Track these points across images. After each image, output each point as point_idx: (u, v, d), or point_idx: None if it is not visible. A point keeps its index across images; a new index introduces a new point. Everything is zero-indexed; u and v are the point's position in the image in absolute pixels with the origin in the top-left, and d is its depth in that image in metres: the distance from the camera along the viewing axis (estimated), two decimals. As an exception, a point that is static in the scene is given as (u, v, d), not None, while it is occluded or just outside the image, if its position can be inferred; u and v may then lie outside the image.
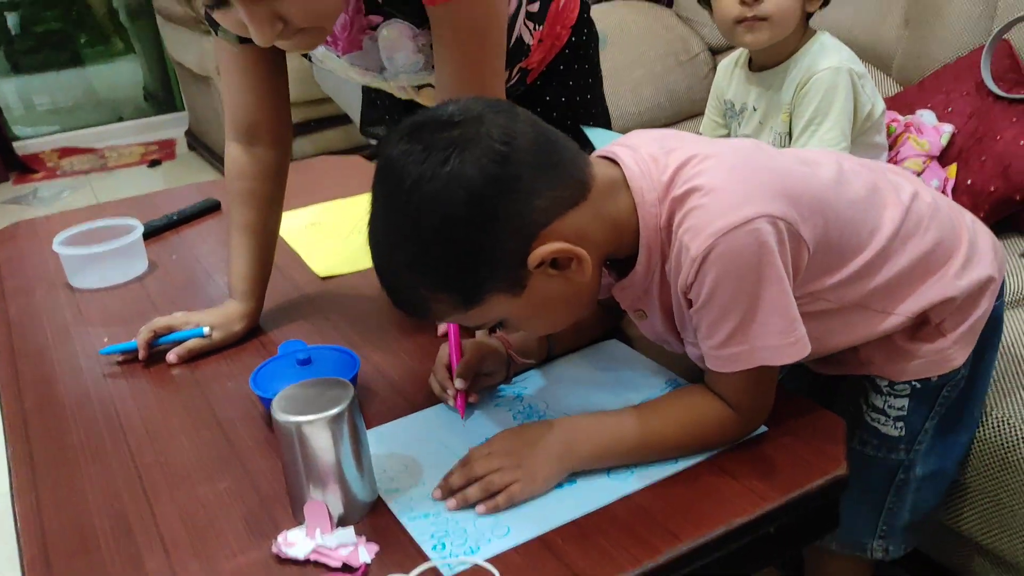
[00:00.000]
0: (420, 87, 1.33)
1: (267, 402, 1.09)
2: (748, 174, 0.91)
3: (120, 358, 1.28)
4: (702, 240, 0.87)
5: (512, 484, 0.91)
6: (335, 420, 0.88)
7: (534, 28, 1.29)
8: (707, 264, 0.87)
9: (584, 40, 1.38)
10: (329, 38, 1.24)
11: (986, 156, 1.63)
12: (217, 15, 1.04)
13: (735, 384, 0.94)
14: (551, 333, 1.10)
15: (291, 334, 1.30)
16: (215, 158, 4.15)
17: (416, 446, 1.03)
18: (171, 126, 4.93)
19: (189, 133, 4.58)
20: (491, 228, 0.85)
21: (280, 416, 0.89)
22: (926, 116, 1.74)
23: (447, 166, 0.83)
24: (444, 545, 0.87)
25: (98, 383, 1.23)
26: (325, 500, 0.90)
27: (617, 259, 0.97)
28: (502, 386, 1.13)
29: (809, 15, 1.60)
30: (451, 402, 1.07)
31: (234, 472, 1.02)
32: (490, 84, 1.18)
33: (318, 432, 0.88)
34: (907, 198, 1.02)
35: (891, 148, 1.70)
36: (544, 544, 0.87)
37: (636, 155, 0.94)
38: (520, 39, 1.28)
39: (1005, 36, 1.78)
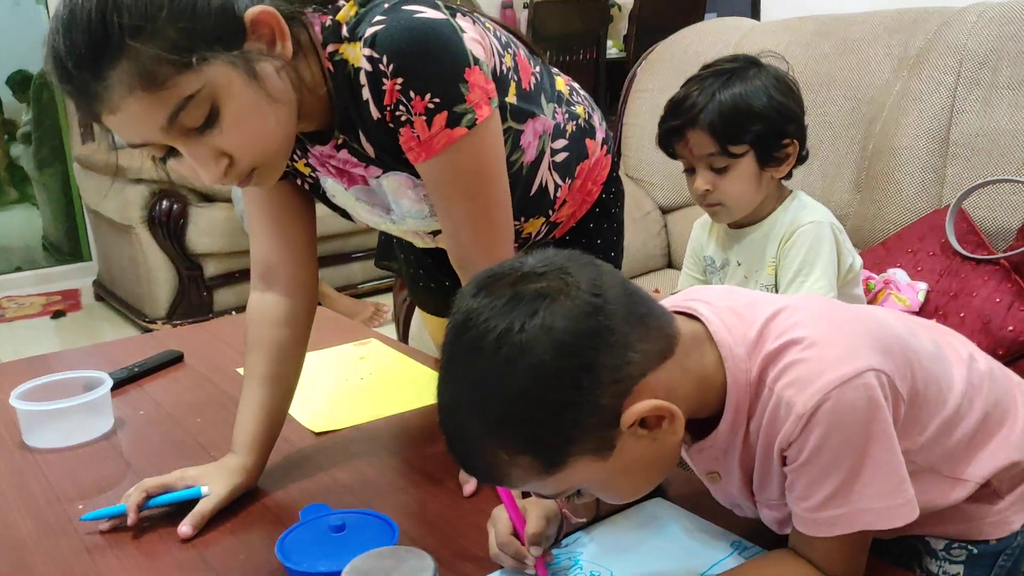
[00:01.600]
0: (434, 233, 1.29)
1: (296, 574, 0.97)
2: (846, 325, 0.89)
3: (105, 526, 1.13)
4: (810, 395, 0.83)
5: None
6: None
7: (562, 180, 1.28)
8: (814, 420, 0.83)
9: (612, 198, 1.37)
10: (335, 170, 1.18)
11: (964, 312, 1.68)
12: (173, 164, 1.02)
13: (830, 549, 0.88)
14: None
15: (300, 497, 1.19)
16: (128, 309, 3.96)
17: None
18: (75, 276, 4.72)
19: (97, 284, 4.39)
20: (585, 382, 0.79)
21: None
22: (899, 274, 1.80)
23: (536, 318, 0.78)
24: None
25: (83, 562, 1.08)
26: None
27: (696, 419, 0.93)
28: (554, 551, 1.04)
29: (783, 178, 1.65)
30: (531, 570, 0.98)
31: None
32: (498, 220, 1.14)
33: None
34: (966, 355, 1.02)
35: (872, 304, 1.75)
36: None
37: (714, 309, 0.91)
38: (544, 188, 1.27)
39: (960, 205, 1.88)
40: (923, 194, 2.00)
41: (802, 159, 1.58)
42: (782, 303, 0.91)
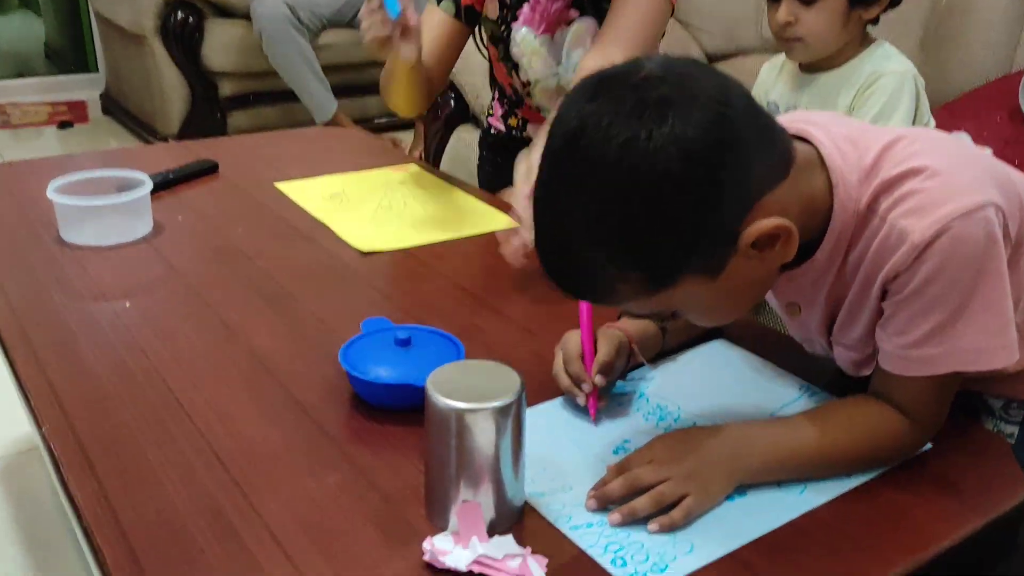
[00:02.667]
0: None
1: (362, 384, 0.95)
2: (967, 159, 0.84)
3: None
4: (928, 224, 0.79)
5: (686, 497, 0.81)
6: (503, 411, 0.76)
7: None
8: (930, 251, 0.79)
9: None
10: (532, 15, 1.54)
11: (1028, 182, 1.63)
12: None
13: (918, 391, 0.86)
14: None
15: (357, 312, 1.16)
16: (137, 124, 3.85)
17: (547, 445, 0.91)
18: (81, 87, 4.57)
19: (105, 96, 4.25)
20: (709, 196, 0.74)
21: (439, 399, 0.76)
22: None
23: (665, 126, 0.73)
24: (625, 562, 0.76)
25: (137, 356, 1.05)
26: (479, 501, 0.78)
27: None
28: (619, 383, 1.02)
29: (869, 21, 1.56)
30: (582, 400, 0.95)
31: (339, 465, 0.87)
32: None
33: (483, 423, 0.76)
34: None
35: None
36: (738, 562, 0.76)
37: (828, 133, 0.86)
38: None
39: (1037, 67, 1.79)
40: (994, 58, 1.91)
41: (894, 3, 1.49)
42: (899, 132, 0.86)
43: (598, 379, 0.94)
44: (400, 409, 0.95)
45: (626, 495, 0.81)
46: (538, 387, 1.01)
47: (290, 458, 0.88)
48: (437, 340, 1.01)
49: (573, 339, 0.98)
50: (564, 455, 0.90)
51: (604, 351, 0.96)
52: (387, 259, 1.34)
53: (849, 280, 0.87)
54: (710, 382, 1.03)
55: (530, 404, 0.96)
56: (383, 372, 0.95)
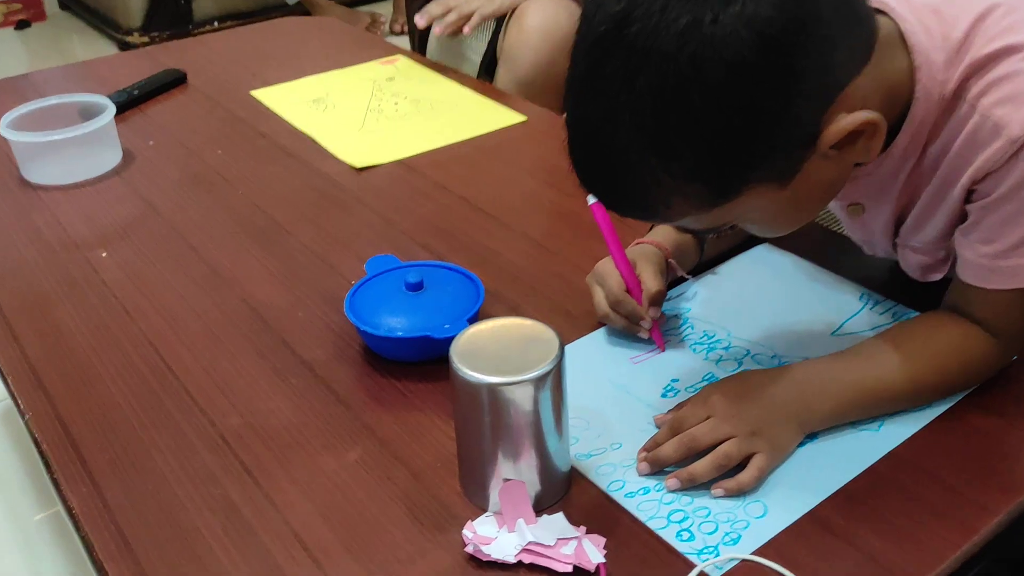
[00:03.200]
0: None
1: (374, 338, 0.85)
2: None
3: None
4: None
5: (755, 456, 0.72)
6: (541, 381, 0.66)
7: None
8: None
9: None
10: None
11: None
12: None
13: (1005, 306, 0.76)
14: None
15: (357, 246, 1.04)
16: (98, 19, 3.61)
17: (587, 392, 0.81)
18: (34, -20, 4.27)
19: (61, -11, 3.97)
20: (789, 88, 0.62)
21: (466, 373, 0.65)
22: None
23: (734, 5, 0.59)
24: (692, 534, 0.68)
25: (120, 320, 0.95)
26: (521, 478, 0.69)
27: None
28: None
29: None
30: (645, 334, 0.86)
31: (359, 437, 0.78)
32: None
33: (520, 396, 0.66)
34: None
35: None
36: (816, 522, 0.68)
37: (910, 3, 0.72)
38: None
39: None
40: None
41: None
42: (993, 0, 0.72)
43: (653, 311, 0.84)
44: (419, 362, 0.85)
45: (683, 458, 0.72)
46: (567, 318, 0.91)
47: (303, 432, 0.79)
48: (452, 279, 0.90)
49: (610, 273, 0.87)
50: (607, 403, 0.80)
51: (652, 280, 0.85)
52: (384, 175, 1.22)
53: (926, 176, 0.75)
54: (758, 297, 0.93)
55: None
56: (396, 323, 0.85)
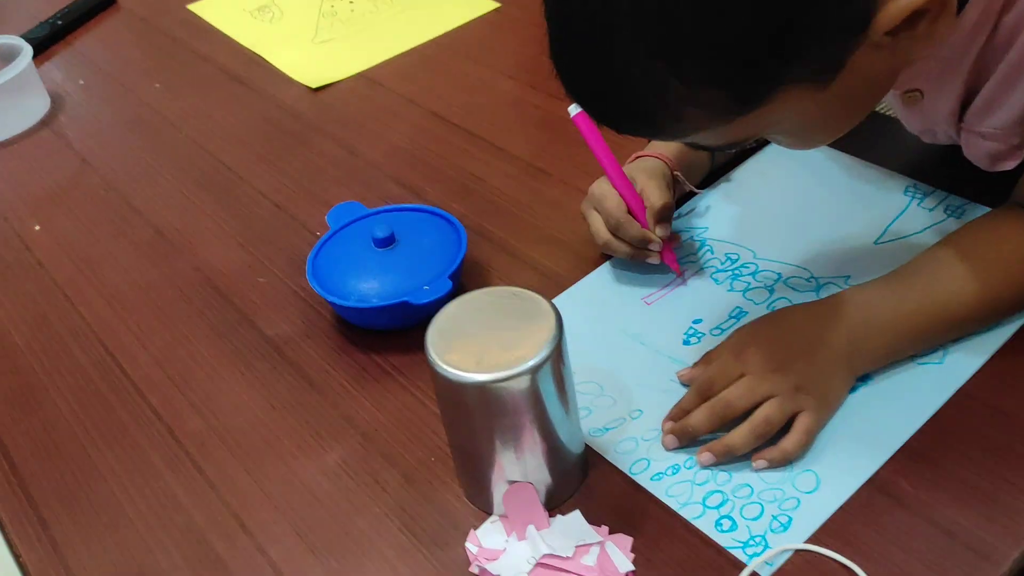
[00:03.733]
0: None
1: (343, 309, 0.73)
2: None
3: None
4: None
5: (800, 417, 0.60)
6: (539, 369, 0.54)
7: None
8: None
9: None
10: None
11: None
12: None
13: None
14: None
15: (318, 191, 0.91)
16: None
17: (595, 347, 0.70)
18: None
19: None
20: None
21: (447, 372, 0.54)
22: None
23: None
24: (733, 523, 0.57)
25: (60, 306, 0.83)
26: (529, 479, 0.58)
27: None
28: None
29: None
30: (656, 259, 0.74)
31: (338, 432, 0.67)
32: None
33: (518, 391, 0.54)
34: None
35: None
36: (883, 493, 0.57)
37: None
38: None
39: None
40: None
41: None
42: None
43: (661, 230, 0.72)
44: (397, 329, 0.74)
45: (716, 428, 0.61)
46: (567, 253, 0.79)
47: (273, 432, 0.68)
48: (428, 224, 0.77)
49: (608, 194, 0.74)
50: (620, 359, 0.69)
51: (656, 194, 0.73)
52: (345, 94, 1.07)
53: (999, 51, 0.61)
54: (784, 204, 0.80)
55: (566, 284, 0.76)
56: (367, 288, 0.73)
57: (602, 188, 0.75)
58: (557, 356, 0.55)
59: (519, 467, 0.58)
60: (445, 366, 0.54)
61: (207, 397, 0.72)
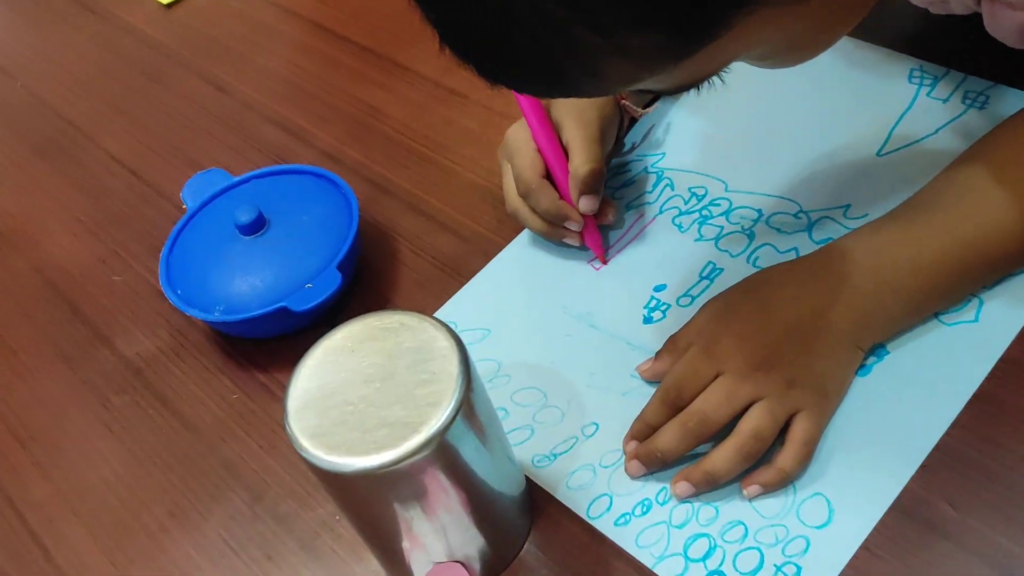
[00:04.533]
0: None
1: (213, 324, 0.58)
2: None
3: None
4: None
5: (796, 421, 0.46)
6: (447, 432, 0.39)
7: None
8: None
9: None
10: None
11: None
12: None
13: None
14: None
15: (184, 140, 0.74)
16: None
17: (534, 341, 0.55)
18: None
19: None
20: None
21: (323, 461, 0.38)
22: None
23: None
24: (727, 578, 0.44)
25: None
26: (456, 556, 0.44)
27: None
28: (619, 166, 0.63)
29: None
30: (575, 241, 0.57)
31: (221, 490, 0.53)
32: None
33: (422, 467, 0.39)
34: None
35: None
36: (919, 519, 0.43)
37: None
38: None
39: None
40: None
41: None
42: None
43: (585, 204, 0.56)
44: (283, 335, 0.58)
45: (691, 448, 0.47)
46: (492, 210, 0.63)
47: (138, 496, 0.53)
48: (308, 193, 0.61)
49: (522, 147, 0.57)
50: (565, 352, 0.54)
51: (582, 153, 0.56)
52: (205, 8, 0.87)
53: None
54: (761, 114, 0.63)
55: (488, 253, 0.60)
56: (235, 290, 0.57)
57: (518, 136, 0.58)
58: (468, 406, 0.40)
59: (441, 544, 0.44)
60: (316, 452, 0.39)
61: (55, 451, 0.57)
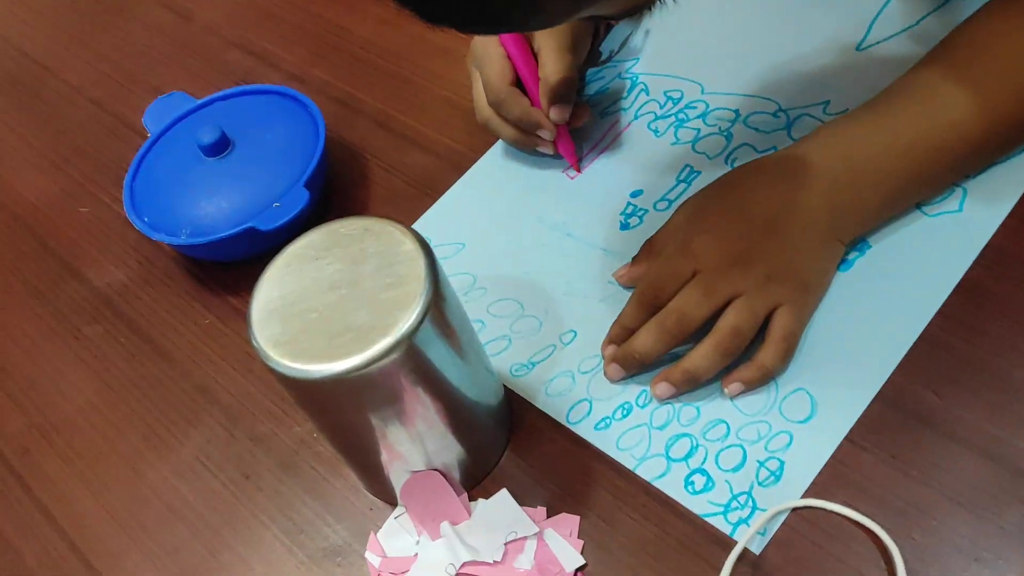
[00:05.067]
0: None
1: (179, 247, 0.56)
2: None
3: None
4: None
5: (776, 316, 0.45)
6: (415, 335, 0.38)
7: None
8: None
9: None
10: None
11: None
12: None
13: None
14: None
15: (147, 68, 0.72)
16: None
17: (509, 253, 0.54)
18: None
19: None
20: None
21: (288, 368, 0.37)
22: None
23: None
24: (709, 479, 0.43)
25: None
26: (434, 465, 0.44)
27: None
28: (592, 73, 0.61)
29: None
30: (548, 149, 0.56)
31: (196, 413, 0.52)
32: None
33: (391, 372, 0.38)
34: None
35: None
36: (905, 409, 0.43)
37: None
38: None
39: None
40: None
41: None
42: None
43: (556, 113, 0.54)
44: (254, 256, 0.57)
45: (670, 349, 0.46)
46: (464, 124, 0.61)
47: (114, 423, 0.52)
48: (273, 113, 0.59)
49: (491, 54, 0.55)
50: (541, 262, 0.53)
51: (553, 62, 0.54)
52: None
53: None
54: (736, 12, 0.61)
55: (460, 168, 0.58)
56: (201, 212, 0.55)
57: (486, 44, 0.56)
58: (437, 309, 0.39)
59: (419, 454, 0.43)
60: (282, 360, 0.38)
61: (27, 384, 0.56)
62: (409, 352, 0.38)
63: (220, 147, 0.56)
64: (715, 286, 0.45)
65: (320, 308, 0.39)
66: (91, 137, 0.69)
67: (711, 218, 0.47)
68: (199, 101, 0.61)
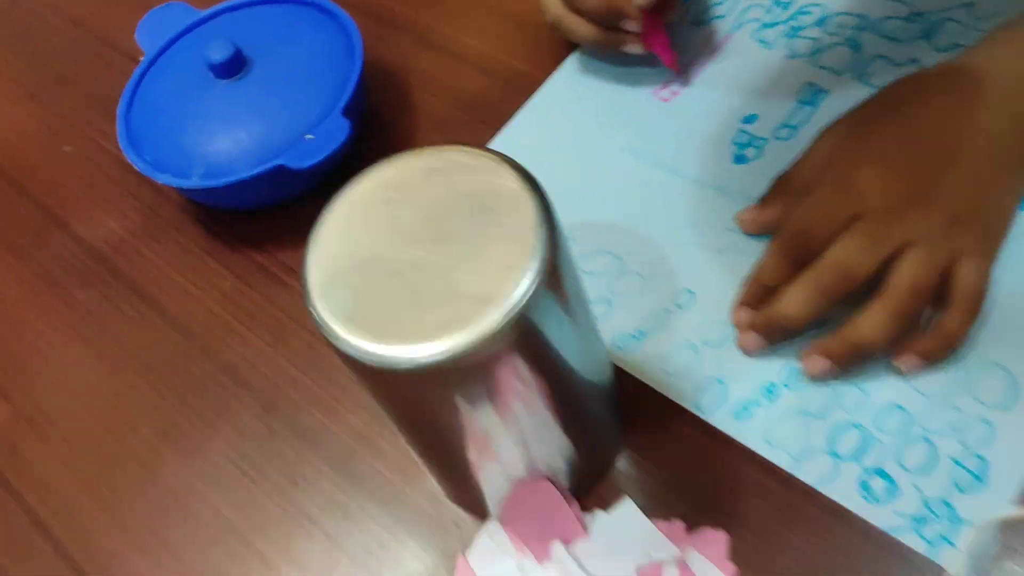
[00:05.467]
0: None
1: (190, 191, 0.46)
2: None
3: None
4: None
5: (960, 269, 0.35)
6: (531, 309, 0.28)
7: None
8: None
9: None
10: None
11: None
12: None
13: None
14: None
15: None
16: None
17: (599, 187, 0.44)
18: None
19: None
20: None
21: (363, 352, 0.28)
22: None
23: None
24: (892, 483, 0.34)
25: None
26: (539, 464, 0.34)
27: None
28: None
29: None
30: (636, 48, 0.45)
31: (224, 399, 0.42)
32: None
33: (495, 357, 0.28)
34: None
35: None
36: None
37: None
38: None
39: None
40: None
41: None
42: None
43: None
44: (280, 202, 0.47)
45: (825, 313, 0.37)
46: (526, 37, 0.50)
47: (123, 413, 0.43)
48: (296, 27, 0.48)
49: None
50: (638, 204, 0.43)
51: None
52: None
53: None
54: None
55: (524, 90, 0.48)
56: (214, 148, 0.45)
57: None
58: (552, 269, 0.29)
59: (522, 459, 0.34)
60: (357, 342, 0.28)
61: (11, 363, 0.46)
62: (523, 327, 0.28)
63: (234, 67, 0.45)
64: (885, 232, 0.35)
65: (402, 269, 0.29)
66: (73, 62, 0.58)
67: (873, 146, 0.37)
68: (203, 13, 0.50)
